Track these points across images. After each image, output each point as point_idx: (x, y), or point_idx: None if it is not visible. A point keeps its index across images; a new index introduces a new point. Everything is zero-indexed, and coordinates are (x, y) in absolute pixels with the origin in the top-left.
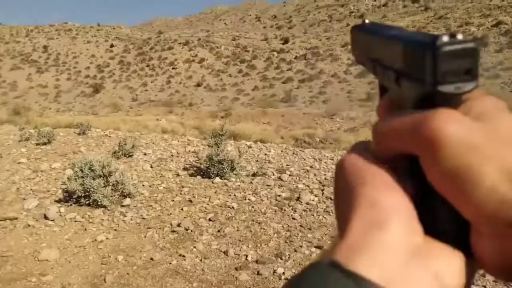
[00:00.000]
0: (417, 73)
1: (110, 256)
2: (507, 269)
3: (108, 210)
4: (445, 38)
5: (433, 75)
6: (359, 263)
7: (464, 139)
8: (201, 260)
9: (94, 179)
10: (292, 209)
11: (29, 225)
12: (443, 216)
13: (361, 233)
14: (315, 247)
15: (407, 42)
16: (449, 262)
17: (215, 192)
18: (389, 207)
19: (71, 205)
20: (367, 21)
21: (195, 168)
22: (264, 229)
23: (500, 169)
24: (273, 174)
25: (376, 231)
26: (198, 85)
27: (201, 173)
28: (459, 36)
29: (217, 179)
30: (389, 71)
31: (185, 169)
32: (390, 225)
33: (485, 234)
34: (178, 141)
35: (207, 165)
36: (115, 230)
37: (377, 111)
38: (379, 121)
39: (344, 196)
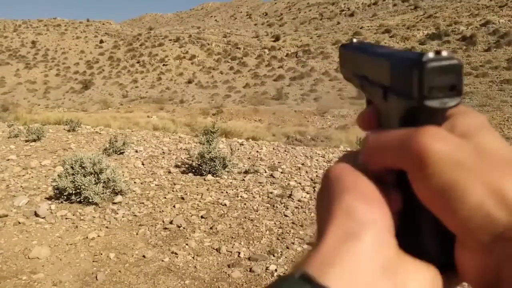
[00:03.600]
0: (404, 89)
1: (101, 254)
2: (488, 283)
3: (99, 207)
4: (431, 55)
5: (419, 90)
6: (330, 276)
7: (451, 156)
8: (193, 258)
9: (85, 176)
10: (284, 206)
11: (19, 223)
12: (428, 229)
13: (335, 244)
14: (307, 244)
15: (394, 59)
16: (419, 277)
17: (207, 190)
18: (365, 218)
19: (61, 202)
20: (354, 40)
21: (187, 166)
22: (256, 226)
23: (485, 185)
24: (265, 172)
25: (350, 243)
26: (189, 82)
27: (193, 170)
28: (444, 53)
29: (209, 177)
30: (376, 87)
31: (176, 166)
32: (363, 236)
33: (470, 248)
34: (170, 138)
35: (199, 163)
36: (107, 227)
37: (359, 119)
38: (367, 135)
39: (325, 202)
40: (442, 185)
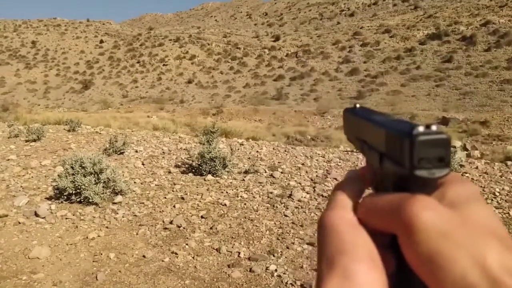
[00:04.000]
0: (397, 157)
1: (101, 254)
2: None
3: (99, 207)
4: (421, 129)
5: (410, 160)
6: None
7: (438, 226)
8: (193, 258)
9: (85, 176)
10: (284, 206)
11: (19, 223)
12: None
13: None
14: (307, 244)
15: (389, 129)
16: None
17: (207, 190)
18: (362, 280)
19: (62, 202)
20: (357, 105)
21: (187, 166)
22: (256, 226)
23: (469, 256)
24: (265, 172)
25: None
26: (189, 82)
27: (193, 170)
28: (434, 127)
29: (209, 177)
30: (374, 152)
31: (177, 166)
32: None
33: None
34: (170, 138)
35: (199, 163)
36: (107, 227)
37: (359, 173)
38: (364, 197)
39: (324, 258)
40: (428, 254)
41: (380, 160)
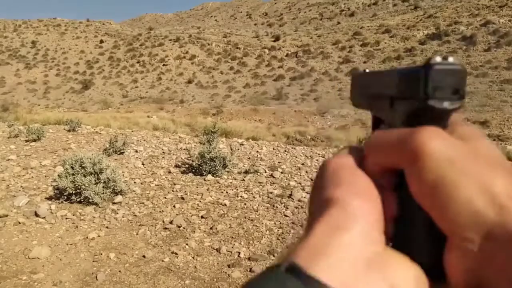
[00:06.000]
0: (409, 92)
1: (101, 254)
2: (470, 285)
3: (99, 207)
4: (438, 59)
5: (424, 89)
6: (318, 268)
7: (446, 154)
8: (193, 258)
9: (85, 176)
10: (284, 206)
11: (19, 223)
12: (421, 234)
13: (324, 236)
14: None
15: (403, 70)
16: (405, 274)
17: (207, 189)
18: (357, 212)
19: (62, 202)
20: (367, 70)
21: (187, 166)
22: (256, 226)
23: (476, 183)
24: (265, 172)
25: (339, 235)
26: (189, 82)
27: (193, 170)
28: (451, 59)
29: (209, 177)
30: (384, 100)
31: (177, 166)
32: (353, 229)
33: (457, 248)
34: (170, 138)
35: (199, 163)
36: (107, 227)
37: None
38: (372, 133)
39: (319, 194)
40: (434, 180)
41: (390, 103)
